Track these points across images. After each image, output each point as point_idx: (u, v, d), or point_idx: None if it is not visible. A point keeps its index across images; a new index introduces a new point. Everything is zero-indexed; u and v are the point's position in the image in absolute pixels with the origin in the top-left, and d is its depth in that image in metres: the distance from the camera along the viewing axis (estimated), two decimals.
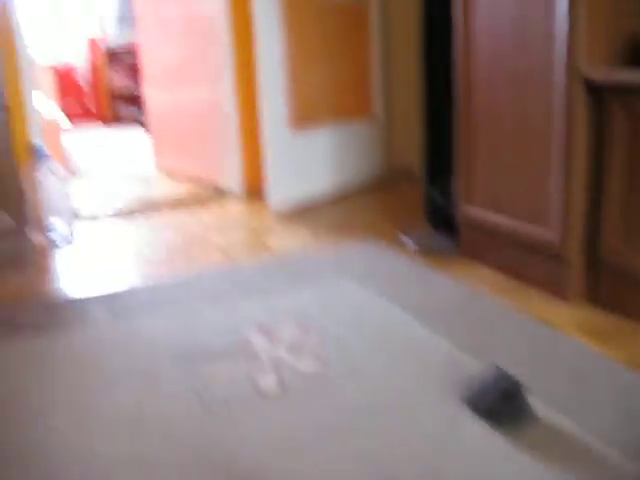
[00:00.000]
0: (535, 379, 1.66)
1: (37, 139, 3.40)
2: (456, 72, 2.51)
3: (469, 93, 2.48)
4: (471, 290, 2.31)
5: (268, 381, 1.75)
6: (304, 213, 3.49)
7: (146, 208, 3.81)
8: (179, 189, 4.22)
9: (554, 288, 2.23)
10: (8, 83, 2.99)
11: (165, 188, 4.28)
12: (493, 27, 2.32)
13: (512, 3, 2.22)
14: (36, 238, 3.18)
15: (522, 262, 2.37)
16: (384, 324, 2.07)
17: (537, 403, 1.54)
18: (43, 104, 4.50)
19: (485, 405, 1.50)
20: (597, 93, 2.04)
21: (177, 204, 3.87)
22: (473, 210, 2.55)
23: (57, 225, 3.25)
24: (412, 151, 4.27)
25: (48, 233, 3.21)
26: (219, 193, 4.01)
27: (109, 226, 3.51)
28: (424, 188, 2.86)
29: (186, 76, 4.33)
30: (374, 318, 2.12)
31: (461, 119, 2.53)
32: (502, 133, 2.36)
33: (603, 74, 2.00)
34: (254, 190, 3.89)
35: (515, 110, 2.28)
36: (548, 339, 1.91)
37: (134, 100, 8.14)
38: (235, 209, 3.70)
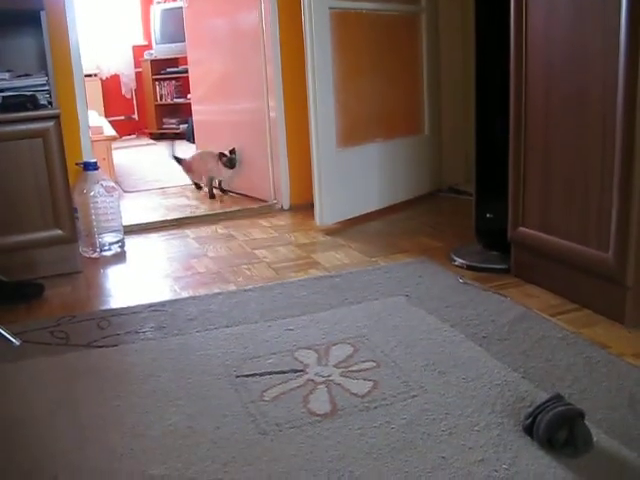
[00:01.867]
0: (593, 405, 1.63)
1: (88, 154, 3.45)
2: (510, 90, 2.48)
3: (522, 111, 2.44)
4: (524, 311, 2.27)
5: (320, 401, 1.74)
6: (352, 229, 3.48)
7: (193, 222, 3.84)
8: (225, 204, 4.24)
9: (610, 310, 2.18)
10: (62, 100, 3.04)
11: (212, 203, 4.31)
12: (548, 44, 2.29)
13: (568, 19, 2.19)
14: (87, 252, 3.22)
15: (576, 284, 2.32)
16: (437, 344, 2.04)
17: (596, 431, 1.50)
18: (93, 118, 4.57)
19: (544, 432, 1.46)
20: None
21: (224, 218, 3.89)
22: (525, 231, 2.51)
23: (107, 239, 3.29)
24: (460, 169, 4.26)
25: (98, 247, 3.25)
26: (266, 208, 4.02)
27: (157, 239, 3.54)
28: (475, 207, 2.82)
29: (234, 90, 4.37)
30: (426, 337, 2.09)
31: (514, 138, 2.50)
32: (556, 153, 2.32)
33: None
34: (302, 205, 3.90)
35: (570, 129, 2.24)
36: (605, 363, 1.86)
37: (179, 113, 8.24)
38: (283, 224, 3.71)
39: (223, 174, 4.39)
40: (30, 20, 2.88)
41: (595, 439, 1.47)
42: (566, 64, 2.23)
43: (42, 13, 2.85)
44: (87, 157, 3.43)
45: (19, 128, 2.75)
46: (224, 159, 4.28)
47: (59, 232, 2.88)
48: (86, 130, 3.49)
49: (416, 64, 4.01)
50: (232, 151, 4.30)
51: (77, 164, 3.31)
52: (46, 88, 2.91)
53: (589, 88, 2.14)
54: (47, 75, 2.92)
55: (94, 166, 3.28)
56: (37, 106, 2.82)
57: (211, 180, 4.46)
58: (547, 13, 2.28)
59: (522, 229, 2.53)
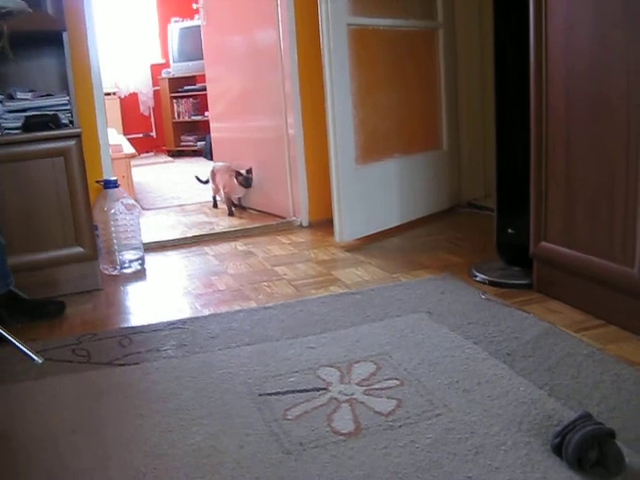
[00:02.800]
0: (623, 424, 1.59)
1: (108, 172, 3.47)
2: (530, 102, 2.47)
3: (543, 123, 2.43)
4: (548, 327, 2.24)
5: (343, 420, 1.72)
6: (372, 246, 3.47)
7: (213, 239, 3.84)
8: (243, 220, 4.25)
9: (636, 326, 2.15)
10: (83, 118, 3.06)
11: (231, 219, 4.31)
12: (568, 55, 2.27)
13: (589, 29, 2.18)
14: (107, 270, 3.23)
15: (601, 299, 2.29)
16: (460, 361, 2.02)
17: (627, 451, 1.47)
18: (113, 136, 4.60)
19: (574, 452, 1.43)
20: None
21: (243, 235, 3.89)
22: (548, 245, 2.49)
23: (127, 257, 3.30)
24: (479, 184, 4.25)
25: (118, 265, 3.26)
26: (285, 224, 4.02)
27: (177, 257, 3.55)
28: (496, 222, 2.80)
29: (252, 107, 4.38)
30: (450, 354, 2.07)
31: (535, 151, 2.48)
32: (579, 166, 2.30)
33: None
34: (321, 222, 3.89)
35: (593, 141, 2.22)
36: (634, 381, 1.83)
37: (196, 130, 8.28)
38: (302, 241, 3.70)
39: (237, 191, 4.40)
40: (52, 41, 2.91)
41: (627, 459, 1.44)
42: (588, 75, 2.21)
43: (64, 34, 2.87)
44: (107, 175, 3.45)
45: (41, 147, 2.77)
46: (240, 178, 4.28)
47: (80, 249, 2.89)
48: (106, 148, 3.51)
49: (434, 80, 4.01)
50: (249, 170, 4.30)
51: (97, 182, 3.33)
52: (67, 107, 2.93)
53: (612, 99, 2.12)
54: (68, 94, 2.94)
55: (114, 184, 3.29)
56: (59, 125, 2.84)
57: (229, 197, 4.44)
58: (567, 24, 2.26)
59: (544, 244, 2.51)
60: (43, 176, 2.79)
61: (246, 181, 4.29)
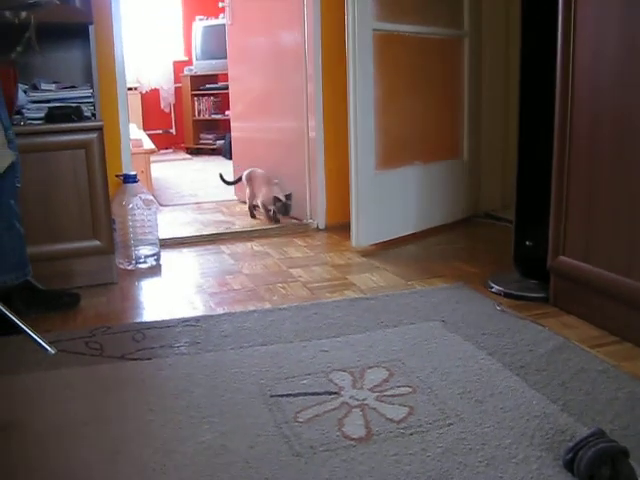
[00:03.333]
0: (637, 443, 1.57)
1: (128, 167, 3.48)
2: (554, 114, 2.45)
3: (567, 136, 2.41)
4: (563, 341, 2.23)
5: (354, 425, 1.72)
6: (388, 252, 3.46)
7: (229, 238, 3.85)
8: (260, 221, 4.25)
9: None
10: (105, 112, 3.07)
11: (247, 219, 4.31)
12: (596, 70, 2.26)
13: (618, 41, 2.16)
14: (122, 264, 3.24)
15: (617, 316, 2.28)
16: (474, 371, 2.01)
17: (639, 468, 1.46)
18: (133, 131, 4.62)
19: (586, 469, 1.42)
20: None
21: (259, 235, 3.90)
22: (566, 260, 2.47)
23: (143, 252, 3.31)
24: (497, 195, 4.23)
25: (134, 259, 3.27)
26: (302, 227, 4.01)
27: (192, 254, 3.55)
28: (515, 233, 2.78)
29: (273, 108, 4.39)
30: (463, 364, 2.06)
31: (557, 163, 2.47)
32: (601, 180, 2.28)
33: None
34: (337, 225, 3.89)
35: (617, 155, 2.20)
36: None
37: (216, 128, 8.30)
38: (318, 244, 3.70)
39: (271, 205, 4.12)
40: (78, 33, 2.93)
41: (638, 476, 1.43)
42: (614, 89, 2.20)
43: (90, 27, 2.89)
44: (127, 169, 3.46)
45: (63, 139, 2.78)
46: (278, 204, 4.05)
47: (97, 243, 2.90)
48: (127, 143, 3.52)
49: (457, 89, 4.00)
50: (288, 196, 4.06)
51: (117, 176, 3.34)
52: (90, 100, 2.94)
53: (638, 116, 2.10)
54: (92, 87, 2.95)
55: (134, 178, 3.30)
56: (81, 118, 2.85)
57: (266, 207, 4.17)
58: (596, 37, 2.25)
59: (563, 258, 2.49)
60: (64, 168, 2.81)
61: (284, 209, 4.06)
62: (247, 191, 4.40)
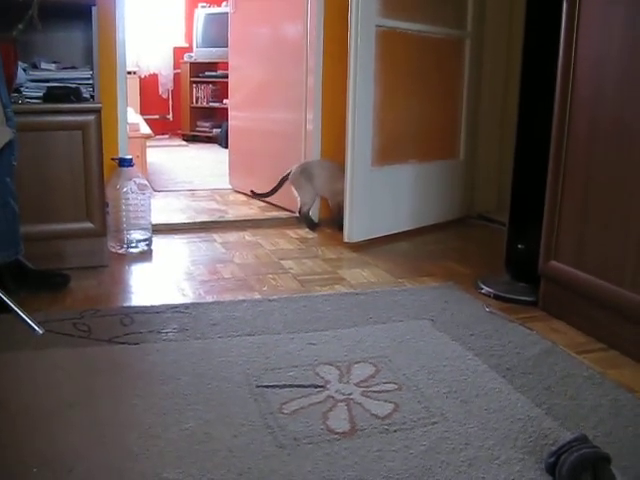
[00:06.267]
0: (619, 450, 1.58)
1: (124, 150, 3.47)
2: (553, 118, 2.45)
3: (564, 140, 2.41)
4: (550, 346, 2.24)
5: (339, 419, 1.72)
6: (380, 248, 3.46)
7: (221, 226, 3.84)
8: (254, 211, 4.24)
9: (638, 353, 2.14)
10: (104, 95, 3.06)
11: (241, 208, 4.31)
12: (598, 73, 2.27)
13: (621, 46, 2.17)
14: (114, 248, 3.23)
15: (605, 323, 2.29)
16: (460, 371, 2.01)
17: (621, 478, 1.46)
18: (130, 115, 4.60)
19: (567, 473, 1.43)
20: None
21: (252, 226, 3.89)
22: (557, 265, 2.48)
23: (135, 236, 3.30)
24: (492, 197, 4.24)
25: (125, 244, 3.26)
26: (295, 219, 4.01)
27: (184, 241, 3.55)
28: (507, 236, 2.79)
29: (273, 99, 4.38)
30: (450, 364, 2.06)
31: (553, 168, 2.47)
32: (597, 187, 2.29)
33: None
34: (330, 219, 3.89)
35: (614, 162, 2.21)
36: (632, 407, 1.83)
37: (213, 117, 8.28)
38: (310, 237, 3.70)
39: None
40: (81, 14, 2.90)
41: None
42: (614, 97, 2.20)
43: (93, 9, 2.87)
44: (123, 153, 3.44)
45: (61, 119, 2.77)
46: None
47: (90, 225, 2.89)
48: (124, 126, 3.50)
49: (456, 89, 4.00)
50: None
51: (113, 159, 3.32)
52: (90, 82, 2.93)
53: (635, 125, 2.11)
54: (92, 69, 2.94)
55: (129, 162, 3.29)
56: (80, 99, 2.84)
57: (340, 204, 3.56)
58: (599, 39, 2.26)
59: (554, 263, 2.50)
60: (60, 148, 2.80)
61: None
62: (309, 193, 3.81)
